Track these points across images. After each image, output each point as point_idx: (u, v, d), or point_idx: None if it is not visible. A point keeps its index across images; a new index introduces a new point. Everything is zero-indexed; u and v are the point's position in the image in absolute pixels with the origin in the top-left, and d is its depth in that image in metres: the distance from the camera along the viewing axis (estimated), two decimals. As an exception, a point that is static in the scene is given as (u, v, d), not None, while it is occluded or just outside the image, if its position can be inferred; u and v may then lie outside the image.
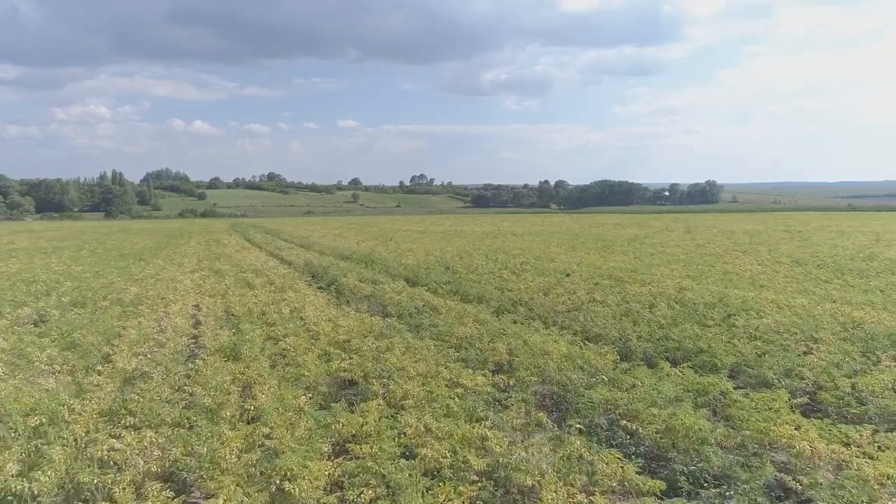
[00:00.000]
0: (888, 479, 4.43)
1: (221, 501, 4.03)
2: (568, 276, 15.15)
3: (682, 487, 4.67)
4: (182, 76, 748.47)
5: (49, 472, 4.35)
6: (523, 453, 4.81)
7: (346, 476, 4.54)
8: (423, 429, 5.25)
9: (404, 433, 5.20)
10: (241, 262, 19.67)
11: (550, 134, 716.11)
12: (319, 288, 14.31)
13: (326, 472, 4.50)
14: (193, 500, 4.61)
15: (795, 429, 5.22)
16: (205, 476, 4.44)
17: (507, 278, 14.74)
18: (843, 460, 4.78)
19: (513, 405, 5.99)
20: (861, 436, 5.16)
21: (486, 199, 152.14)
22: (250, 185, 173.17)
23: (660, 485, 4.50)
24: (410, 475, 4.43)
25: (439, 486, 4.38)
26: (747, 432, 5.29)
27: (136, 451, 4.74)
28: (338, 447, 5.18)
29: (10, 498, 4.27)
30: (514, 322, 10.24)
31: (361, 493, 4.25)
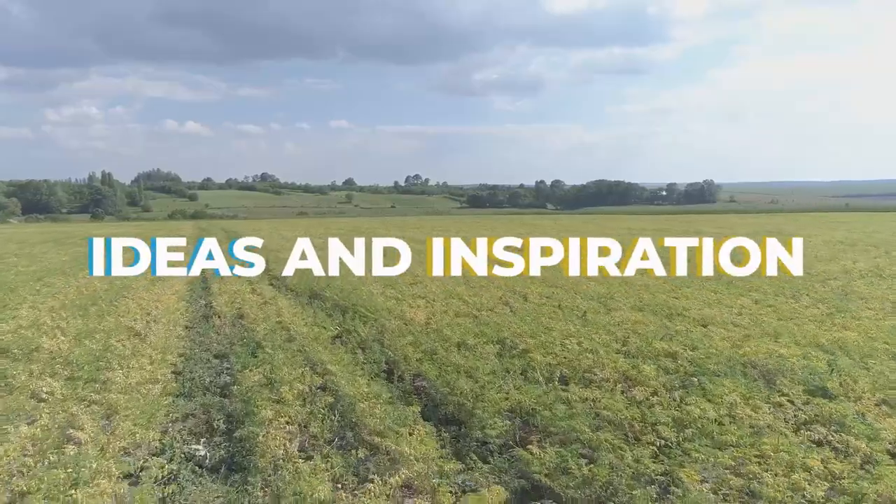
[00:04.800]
0: None
1: None
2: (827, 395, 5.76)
3: None
4: (175, 77, 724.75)
5: None
6: None
7: None
8: None
9: None
10: (126, 314, 10.15)
11: (545, 134, 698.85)
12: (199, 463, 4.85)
13: None
14: None
15: None
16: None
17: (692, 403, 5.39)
18: None
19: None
20: None
21: (482, 199, 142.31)
22: (243, 186, 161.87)
23: None
24: None
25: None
26: None
27: None
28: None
29: None
30: None
31: None
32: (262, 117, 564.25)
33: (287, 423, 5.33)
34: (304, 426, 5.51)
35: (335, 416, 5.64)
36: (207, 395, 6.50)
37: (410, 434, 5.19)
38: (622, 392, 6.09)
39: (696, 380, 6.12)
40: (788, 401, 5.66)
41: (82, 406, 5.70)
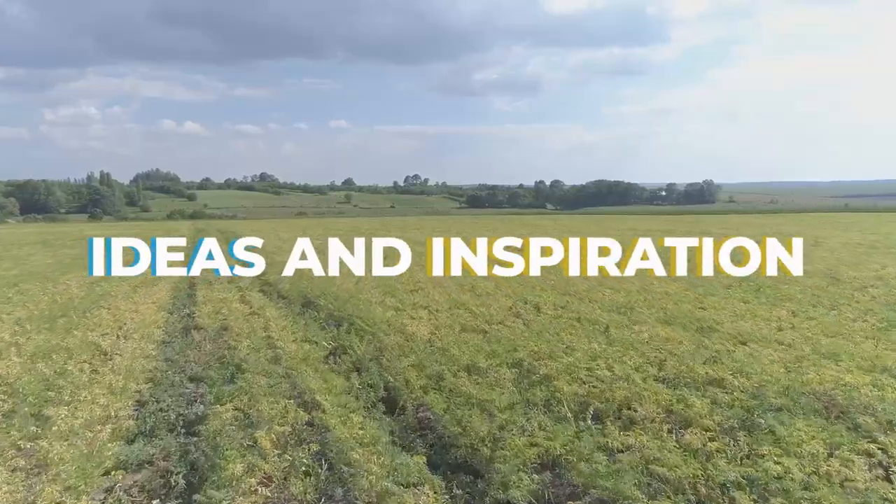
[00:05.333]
0: None
1: None
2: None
3: None
4: (173, 77, 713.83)
5: None
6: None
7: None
8: None
9: None
10: (96, 328, 9.01)
11: (545, 134, 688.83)
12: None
13: None
14: None
15: None
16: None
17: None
18: None
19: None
20: None
21: (482, 199, 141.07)
22: (242, 186, 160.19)
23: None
24: None
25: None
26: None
27: None
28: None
29: None
30: None
31: None
32: (260, 117, 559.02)
33: (260, 483, 4.21)
34: (284, 480, 4.41)
35: (322, 469, 4.53)
36: (171, 436, 5.37)
37: (416, 496, 4.08)
38: (670, 433, 4.98)
39: (761, 420, 5.00)
40: (880, 448, 4.55)
41: (7, 457, 4.57)
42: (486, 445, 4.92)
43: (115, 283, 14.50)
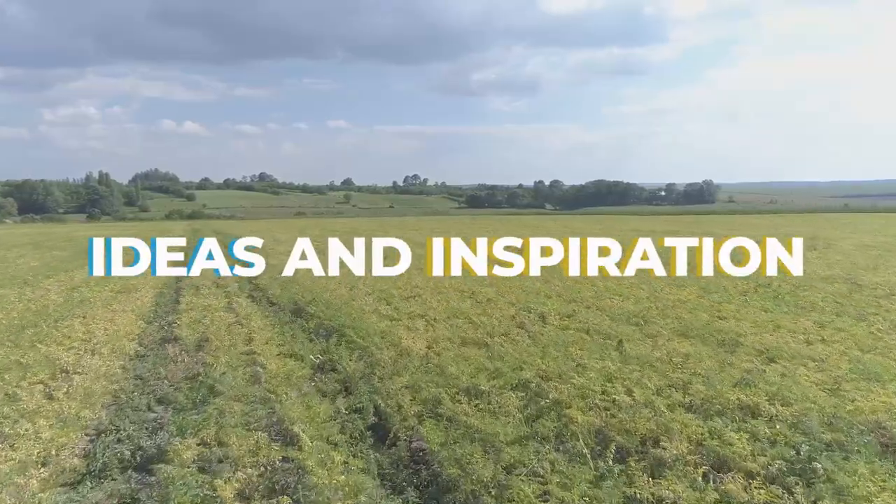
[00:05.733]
0: None
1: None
2: None
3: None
4: (172, 77, 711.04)
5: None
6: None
7: None
8: None
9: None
10: (65, 340, 8.21)
11: (544, 134, 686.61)
12: None
13: None
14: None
15: None
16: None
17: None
18: None
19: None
20: None
21: (481, 199, 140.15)
22: (241, 186, 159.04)
23: None
24: None
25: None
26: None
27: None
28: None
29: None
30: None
31: None
32: (260, 117, 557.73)
33: None
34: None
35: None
36: (122, 478, 4.58)
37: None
38: (707, 479, 4.20)
39: (817, 464, 4.21)
40: (963, 502, 3.77)
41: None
42: (490, 493, 4.14)
43: (97, 289, 13.68)
